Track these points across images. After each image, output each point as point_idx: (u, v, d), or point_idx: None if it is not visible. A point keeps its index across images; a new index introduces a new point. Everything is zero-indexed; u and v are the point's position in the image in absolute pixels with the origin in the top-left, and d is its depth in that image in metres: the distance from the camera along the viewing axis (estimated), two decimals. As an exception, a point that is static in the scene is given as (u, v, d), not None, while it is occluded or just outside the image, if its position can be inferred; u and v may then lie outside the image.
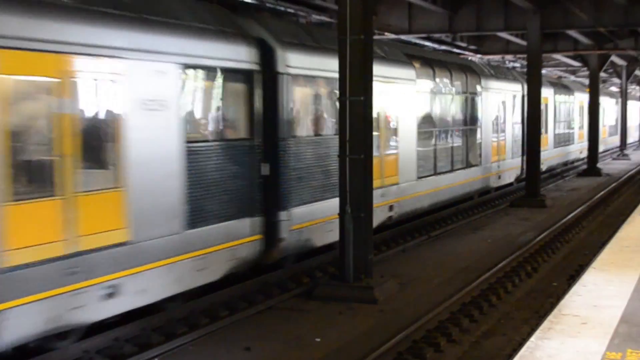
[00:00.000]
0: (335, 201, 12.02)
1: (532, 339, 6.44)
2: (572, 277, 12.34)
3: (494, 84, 23.55)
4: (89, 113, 8.84)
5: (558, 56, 33.34)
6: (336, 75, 11.69)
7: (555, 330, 6.64)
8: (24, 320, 7.79)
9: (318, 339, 9.64)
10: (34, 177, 8.12)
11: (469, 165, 21.50)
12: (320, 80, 13.57)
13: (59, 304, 8.12)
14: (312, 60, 12.91)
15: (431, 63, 19.19)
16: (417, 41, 24.51)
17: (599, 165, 34.07)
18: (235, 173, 11.08)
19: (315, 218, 12.90)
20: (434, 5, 20.91)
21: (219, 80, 11.06)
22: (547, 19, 21.95)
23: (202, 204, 10.37)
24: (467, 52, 28.39)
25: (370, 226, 11.82)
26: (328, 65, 12.77)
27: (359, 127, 11.49)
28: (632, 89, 54.69)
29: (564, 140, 34.45)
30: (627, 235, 11.35)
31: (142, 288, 9.29)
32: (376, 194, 14.37)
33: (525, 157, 23.63)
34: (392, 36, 22.05)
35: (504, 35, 25.85)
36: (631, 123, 56.37)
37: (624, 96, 44.45)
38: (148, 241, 9.38)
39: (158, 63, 9.58)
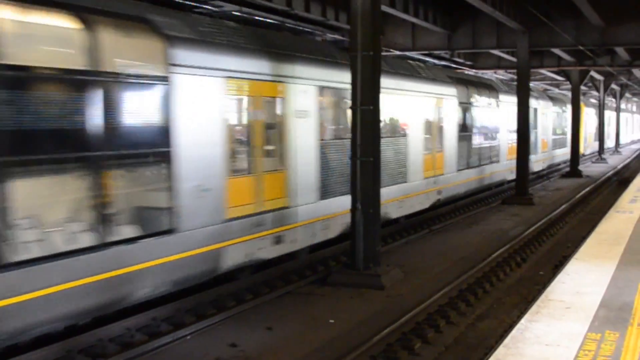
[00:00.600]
0: (401, 187, 15.86)
1: (522, 321, 6.38)
2: (557, 266, 12.26)
3: (508, 98, 25.23)
4: (267, 119, 11.44)
5: (544, 71, 33.10)
6: (404, 93, 14.68)
7: (542, 313, 6.58)
8: (234, 254, 10.32)
9: (332, 320, 9.63)
10: (242, 161, 10.72)
11: (491, 162, 23.52)
12: (393, 95, 15.78)
13: (252, 245, 10.73)
14: (386, 81, 13.95)
15: (465, 82, 21.25)
16: (420, 57, 24.44)
17: (580, 167, 33.85)
18: (345, 162, 13.06)
19: (391, 197, 15.40)
20: (435, 26, 20.91)
21: (338, 96, 13.55)
22: (534, 38, 21.98)
23: (328, 183, 12.96)
24: (463, 67, 28.24)
25: (378, 221, 11.78)
26: (398, 85, 15.83)
27: (368, 133, 11.45)
28: (609, 100, 54.26)
29: (559, 144, 35.53)
30: (605, 230, 11.24)
31: (294, 239, 11.92)
32: (430, 181, 18.03)
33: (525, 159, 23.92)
34: (398, 52, 22.02)
35: (496, 52, 25.78)
36: (610, 130, 56.23)
37: (601, 107, 44.11)
38: (297, 207, 12.01)
39: (304, 85, 12.19)
